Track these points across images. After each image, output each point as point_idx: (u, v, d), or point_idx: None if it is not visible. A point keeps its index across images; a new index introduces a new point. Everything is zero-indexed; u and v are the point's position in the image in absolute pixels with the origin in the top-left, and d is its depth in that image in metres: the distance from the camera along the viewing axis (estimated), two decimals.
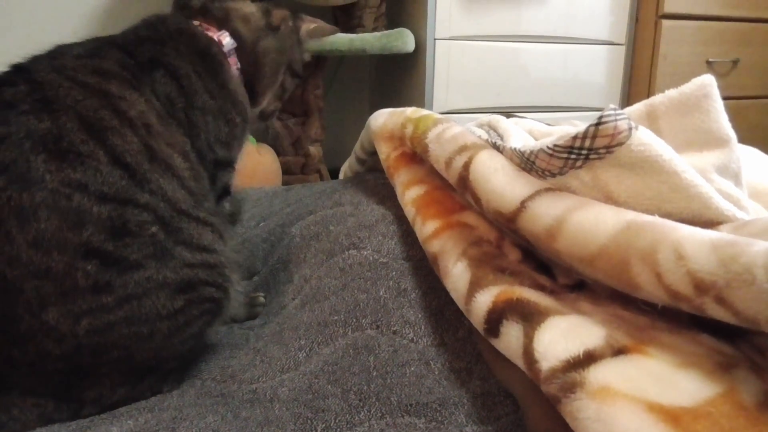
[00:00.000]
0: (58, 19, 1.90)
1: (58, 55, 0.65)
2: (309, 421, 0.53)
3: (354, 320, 0.64)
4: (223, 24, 0.77)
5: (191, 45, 0.73)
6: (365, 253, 0.73)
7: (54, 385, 0.58)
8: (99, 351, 0.58)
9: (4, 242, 0.54)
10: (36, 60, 0.64)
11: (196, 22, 0.76)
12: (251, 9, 0.81)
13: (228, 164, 0.77)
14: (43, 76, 0.60)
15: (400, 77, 2.01)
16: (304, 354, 0.63)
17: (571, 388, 0.42)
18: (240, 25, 0.78)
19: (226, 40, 0.76)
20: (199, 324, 0.65)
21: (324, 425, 0.53)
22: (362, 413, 0.54)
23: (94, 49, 0.67)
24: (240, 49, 0.77)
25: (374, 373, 0.57)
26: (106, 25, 1.95)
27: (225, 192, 0.77)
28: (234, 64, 0.77)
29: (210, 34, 0.75)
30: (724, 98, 0.55)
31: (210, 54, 0.74)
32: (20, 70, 0.62)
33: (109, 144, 0.59)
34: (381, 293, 0.67)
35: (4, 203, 0.54)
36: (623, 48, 1.99)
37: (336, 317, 0.66)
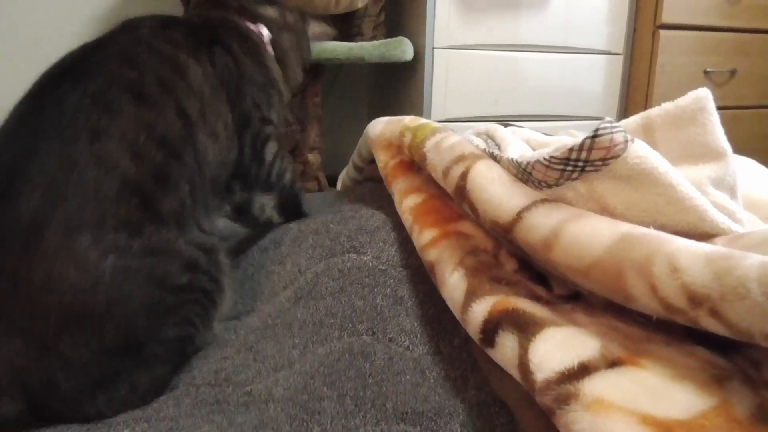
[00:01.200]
0: (61, 22, 1.91)
1: (131, 28, 0.76)
2: (305, 424, 0.53)
3: (350, 325, 0.64)
4: (255, 20, 0.94)
5: (236, 31, 0.89)
6: (365, 258, 0.73)
7: (46, 325, 0.57)
8: (112, 298, 0.59)
9: (70, 146, 0.60)
10: (109, 36, 0.75)
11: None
12: (273, 12, 0.98)
13: (270, 122, 0.90)
14: (127, 44, 0.73)
15: (399, 86, 2.01)
16: (298, 352, 0.63)
17: (566, 399, 0.42)
18: (267, 22, 0.95)
19: (265, 31, 0.94)
20: (191, 310, 0.67)
21: (320, 428, 0.53)
22: (357, 418, 0.54)
23: (163, 23, 0.79)
24: (273, 41, 0.95)
25: (370, 380, 0.57)
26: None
27: (265, 140, 0.89)
28: (271, 52, 0.94)
29: (249, 25, 0.92)
30: (722, 108, 0.56)
31: (251, 39, 0.91)
32: (101, 43, 0.72)
33: (177, 99, 0.71)
34: (378, 300, 0.67)
35: (84, 118, 0.62)
36: (621, 57, 2.00)
37: (332, 320, 0.66)
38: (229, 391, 0.60)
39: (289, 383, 0.59)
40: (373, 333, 0.63)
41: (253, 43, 0.90)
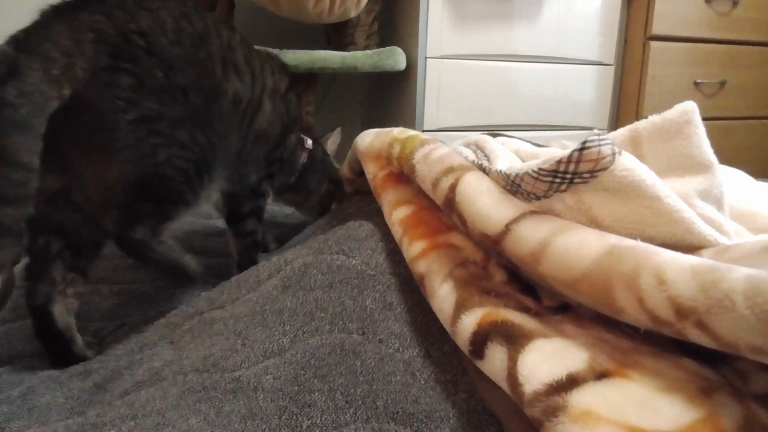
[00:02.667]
0: None
1: None
2: (294, 417, 0.53)
3: (341, 322, 0.64)
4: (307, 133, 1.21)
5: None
6: (354, 262, 0.73)
7: None
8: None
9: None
10: None
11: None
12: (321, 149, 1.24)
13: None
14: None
15: (392, 95, 2.02)
16: (289, 339, 0.63)
17: (554, 411, 0.42)
18: (312, 138, 1.20)
19: (309, 142, 1.17)
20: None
21: (310, 422, 0.53)
22: (348, 414, 0.54)
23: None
24: (310, 155, 1.16)
25: (360, 378, 0.57)
26: None
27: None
28: (304, 154, 1.15)
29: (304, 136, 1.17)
30: (711, 119, 0.57)
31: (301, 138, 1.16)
32: None
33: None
34: (367, 303, 0.67)
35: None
36: (612, 68, 2.02)
37: (323, 314, 0.66)
38: (216, 377, 0.60)
39: (280, 372, 0.58)
40: (363, 333, 0.63)
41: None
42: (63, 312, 0.74)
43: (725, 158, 0.60)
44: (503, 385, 0.48)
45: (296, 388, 0.56)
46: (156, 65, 0.73)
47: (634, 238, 0.49)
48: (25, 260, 0.74)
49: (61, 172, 0.70)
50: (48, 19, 0.67)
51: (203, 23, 0.82)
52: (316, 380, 0.57)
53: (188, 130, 0.77)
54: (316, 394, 0.55)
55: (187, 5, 0.81)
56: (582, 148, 0.50)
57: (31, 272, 0.73)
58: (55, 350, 0.73)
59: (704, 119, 0.57)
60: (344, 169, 1.00)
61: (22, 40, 0.64)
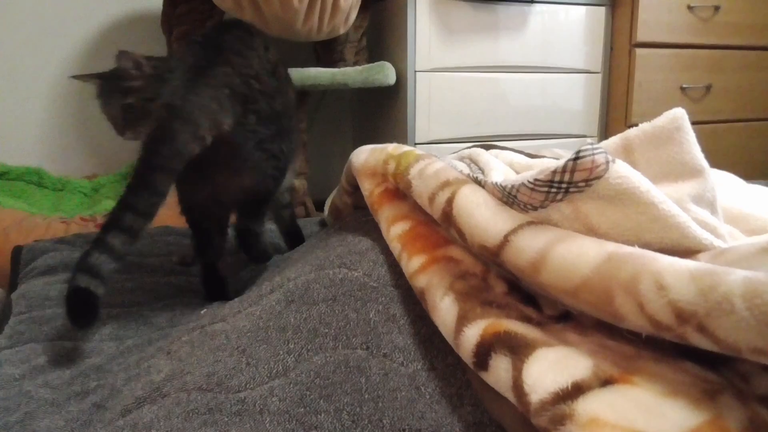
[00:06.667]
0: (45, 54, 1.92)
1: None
2: None
3: (344, 337, 0.64)
4: None
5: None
6: (356, 274, 0.73)
7: None
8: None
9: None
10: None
11: None
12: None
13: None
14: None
15: (383, 109, 2.03)
16: (293, 358, 0.63)
17: (561, 420, 0.42)
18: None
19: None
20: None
21: None
22: None
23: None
24: None
25: (366, 396, 0.57)
26: (100, 53, 1.96)
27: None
28: None
29: None
30: (699, 123, 0.57)
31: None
32: None
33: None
34: (371, 316, 0.67)
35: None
36: (599, 76, 2.04)
37: (326, 329, 0.65)
38: (221, 397, 0.59)
39: (285, 394, 0.58)
40: (368, 347, 0.63)
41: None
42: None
43: (714, 161, 0.60)
44: (509, 395, 0.48)
45: (302, 409, 0.56)
46: (265, 99, 0.90)
47: (632, 244, 0.50)
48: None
49: (205, 183, 0.90)
50: (195, 80, 0.84)
51: (274, 57, 0.99)
52: (321, 400, 0.57)
53: (278, 143, 0.93)
54: (323, 415, 0.55)
55: (265, 42, 0.98)
56: (576, 158, 0.51)
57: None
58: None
59: (692, 123, 0.58)
60: (342, 182, 1.00)
61: (178, 107, 0.80)
